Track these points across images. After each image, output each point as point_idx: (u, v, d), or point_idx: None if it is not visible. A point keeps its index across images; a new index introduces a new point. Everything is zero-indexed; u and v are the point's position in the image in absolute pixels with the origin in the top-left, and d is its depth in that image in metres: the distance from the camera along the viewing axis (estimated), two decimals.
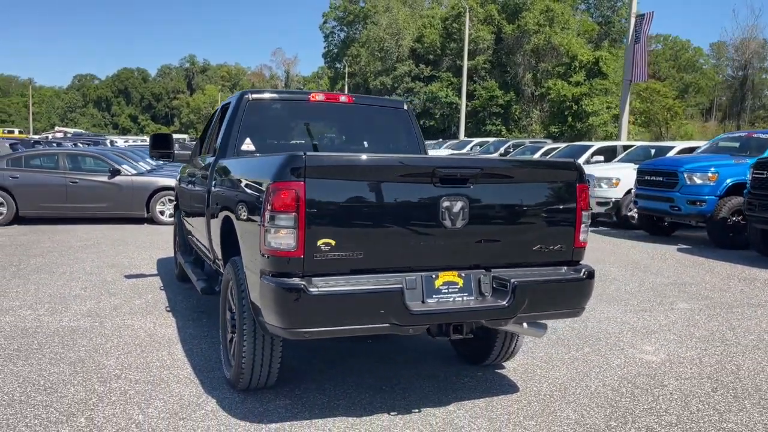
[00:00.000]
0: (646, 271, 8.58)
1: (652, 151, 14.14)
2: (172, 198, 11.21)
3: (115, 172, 12.50)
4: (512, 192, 3.80)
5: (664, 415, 4.00)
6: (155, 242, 10.31)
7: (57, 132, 55.56)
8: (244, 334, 3.80)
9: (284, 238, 3.28)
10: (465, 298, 3.64)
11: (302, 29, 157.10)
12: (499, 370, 4.74)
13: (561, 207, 3.89)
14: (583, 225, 3.94)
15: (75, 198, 12.23)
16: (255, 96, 5.23)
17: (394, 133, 5.66)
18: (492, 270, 3.75)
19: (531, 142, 22.76)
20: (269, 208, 3.29)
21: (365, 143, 5.58)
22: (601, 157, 15.17)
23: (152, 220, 12.56)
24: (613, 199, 12.73)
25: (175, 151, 6.22)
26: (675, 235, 12.26)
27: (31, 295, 6.64)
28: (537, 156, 18.46)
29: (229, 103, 5.42)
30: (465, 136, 36.85)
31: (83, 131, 63.35)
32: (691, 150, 12.99)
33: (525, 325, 4.10)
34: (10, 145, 17.89)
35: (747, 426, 3.87)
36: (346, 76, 63.80)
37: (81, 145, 24.79)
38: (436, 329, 3.65)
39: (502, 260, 3.79)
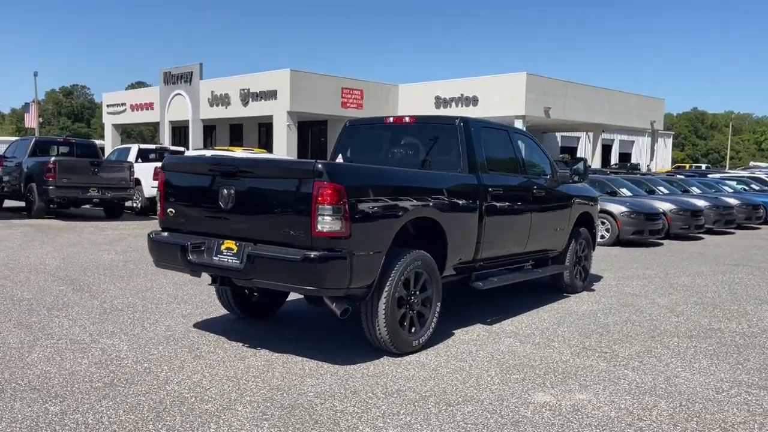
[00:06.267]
0: None
1: None
2: None
3: None
4: (263, 185, 4.88)
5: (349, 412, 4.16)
6: None
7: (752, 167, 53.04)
8: None
9: (159, 208, 5.58)
10: (233, 261, 4.98)
11: None
12: (416, 355, 5.34)
13: (298, 200, 4.64)
14: (321, 217, 4.52)
15: None
16: (351, 123, 7.04)
17: (443, 144, 6.34)
18: (258, 244, 4.89)
19: None
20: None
21: (419, 153, 6.52)
22: None
23: None
24: None
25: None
26: None
27: None
28: None
29: None
30: None
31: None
32: None
33: (334, 304, 4.92)
34: None
35: None
36: None
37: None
38: (219, 279, 5.16)
39: (264, 237, 4.87)
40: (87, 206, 16.95)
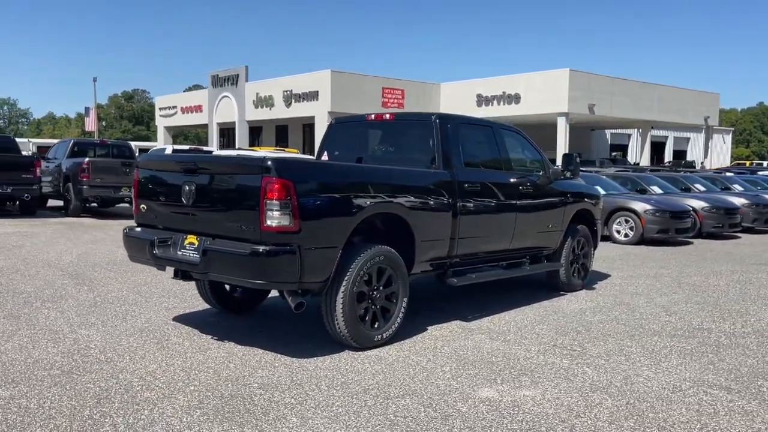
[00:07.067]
0: None
1: None
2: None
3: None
4: (218, 181, 5.00)
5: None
6: None
7: None
8: None
9: (134, 204, 5.79)
10: (193, 255, 5.12)
11: None
12: (378, 349, 5.38)
13: (248, 196, 4.74)
14: (270, 211, 4.61)
15: None
16: (336, 120, 7.12)
17: (421, 140, 6.34)
18: (215, 239, 5.02)
19: None
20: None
21: (398, 149, 6.55)
22: None
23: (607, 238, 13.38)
24: None
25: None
26: None
27: None
28: None
29: None
30: None
31: None
32: None
33: (290, 297, 5.02)
34: None
35: None
36: None
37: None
38: (179, 273, 5.30)
39: (221, 232, 4.99)
40: (126, 205, 17.58)
